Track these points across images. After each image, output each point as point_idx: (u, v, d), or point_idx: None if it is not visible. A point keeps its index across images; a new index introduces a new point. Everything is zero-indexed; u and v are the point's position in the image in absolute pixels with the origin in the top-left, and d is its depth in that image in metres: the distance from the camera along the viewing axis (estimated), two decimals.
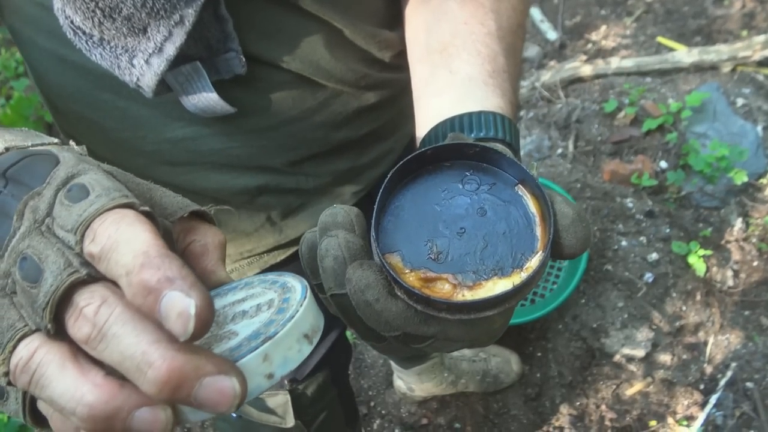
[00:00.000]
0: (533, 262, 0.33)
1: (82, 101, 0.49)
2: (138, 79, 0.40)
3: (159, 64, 0.39)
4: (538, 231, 0.34)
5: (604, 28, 2.23)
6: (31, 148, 0.29)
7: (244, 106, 0.46)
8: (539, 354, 1.55)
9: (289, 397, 0.75)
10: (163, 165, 0.52)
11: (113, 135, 0.51)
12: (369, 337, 0.34)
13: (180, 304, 0.23)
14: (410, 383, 1.45)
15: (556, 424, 1.46)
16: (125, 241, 0.24)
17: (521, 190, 0.35)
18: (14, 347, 0.25)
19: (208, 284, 0.31)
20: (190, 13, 0.38)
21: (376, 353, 1.58)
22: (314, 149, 0.54)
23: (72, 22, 0.38)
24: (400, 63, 0.52)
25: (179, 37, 0.38)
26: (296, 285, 0.31)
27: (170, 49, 0.38)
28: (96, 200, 0.25)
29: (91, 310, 0.24)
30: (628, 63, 1.98)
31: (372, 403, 1.54)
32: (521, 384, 1.52)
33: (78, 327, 0.24)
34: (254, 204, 0.56)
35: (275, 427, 0.78)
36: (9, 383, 0.25)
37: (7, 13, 0.46)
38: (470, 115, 0.39)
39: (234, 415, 0.76)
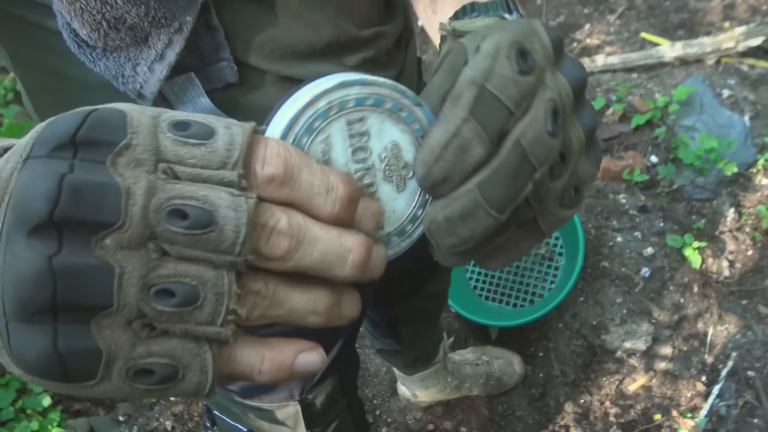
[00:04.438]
0: None
1: None
2: (141, 86, 0.41)
3: (161, 69, 0.40)
4: None
5: (588, 26, 2.25)
6: (86, 108, 0.26)
7: (237, 110, 0.47)
8: (541, 354, 1.56)
9: (299, 407, 0.75)
10: None
11: None
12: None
13: (372, 206, 0.30)
14: (414, 389, 1.45)
15: (562, 422, 1.47)
16: (305, 161, 0.27)
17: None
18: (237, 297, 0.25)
19: None
20: (188, 21, 0.39)
21: (379, 362, 1.59)
22: None
23: (76, 35, 0.39)
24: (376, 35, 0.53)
25: (179, 44, 0.40)
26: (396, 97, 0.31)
27: (171, 56, 0.40)
28: (227, 131, 0.26)
29: (284, 224, 0.26)
30: (614, 60, 2.00)
31: (377, 412, 1.54)
32: (525, 385, 1.53)
33: (275, 245, 0.26)
34: None
35: None
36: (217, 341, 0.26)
37: (5, 34, 0.47)
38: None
39: (244, 429, 0.76)
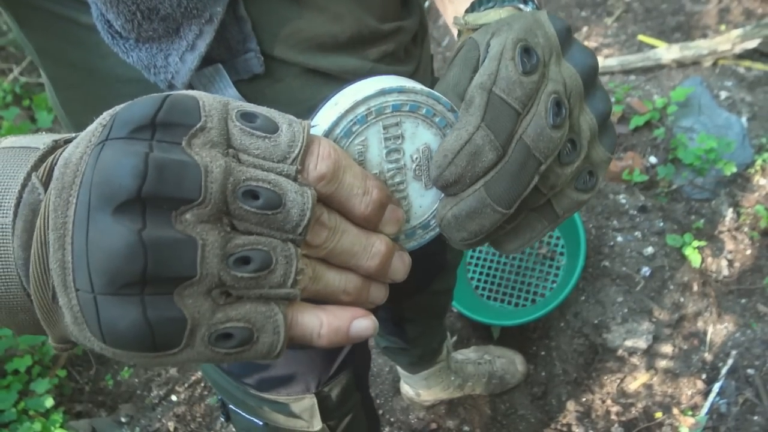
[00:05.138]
0: None
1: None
2: (173, 76, 0.42)
3: (192, 60, 0.41)
4: None
5: (585, 29, 2.27)
6: (160, 94, 0.28)
7: (262, 101, 0.48)
8: (543, 353, 1.57)
9: (315, 400, 0.76)
10: None
11: None
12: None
13: (398, 214, 0.33)
14: (417, 389, 1.46)
15: (564, 421, 1.48)
16: (349, 164, 0.30)
17: None
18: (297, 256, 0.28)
19: None
20: (218, 11, 0.41)
21: (381, 361, 1.59)
22: None
23: (110, 26, 0.40)
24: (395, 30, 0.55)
25: (209, 34, 0.41)
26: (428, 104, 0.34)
27: (201, 46, 0.41)
28: (290, 128, 0.29)
29: (325, 217, 0.30)
30: (612, 62, 2.02)
31: (380, 411, 1.55)
32: (527, 384, 1.54)
33: (317, 233, 0.29)
34: None
35: None
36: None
37: (34, 30, 0.47)
38: None
39: (260, 422, 0.77)
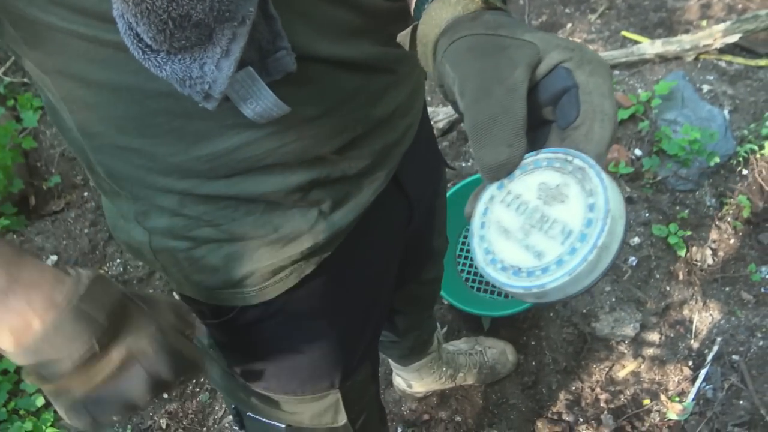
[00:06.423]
0: None
1: (133, 131, 0.50)
2: (210, 86, 0.40)
3: (228, 66, 0.40)
4: None
5: (569, 25, 2.30)
6: None
7: (295, 100, 0.47)
8: (533, 342, 1.59)
9: (339, 395, 0.75)
10: (218, 180, 0.53)
11: (165, 161, 0.51)
12: None
13: None
14: (409, 380, 1.47)
15: (554, 409, 1.49)
16: None
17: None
18: None
19: None
20: (251, 12, 0.39)
21: None
22: (358, 130, 0.56)
23: (140, 40, 0.38)
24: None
25: (243, 37, 0.39)
26: (590, 174, 0.36)
27: (236, 50, 0.39)
28: None
29: None
30: None
31: None
32: (518, 373, 1.56)
33: None
34: (306, 200, 0.57)
35: (324, 430, 0.78)
36: None
37: (49, 53, 0.46)
38: None
39: (282, 425, 0.76)
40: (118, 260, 1.98)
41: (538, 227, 0.37)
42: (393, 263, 0.79)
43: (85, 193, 2.12)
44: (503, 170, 0.39)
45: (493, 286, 1.65)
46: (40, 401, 1.54)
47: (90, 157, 0.55)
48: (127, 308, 0.48)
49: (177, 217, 0.56)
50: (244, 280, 0.60)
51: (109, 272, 1.96)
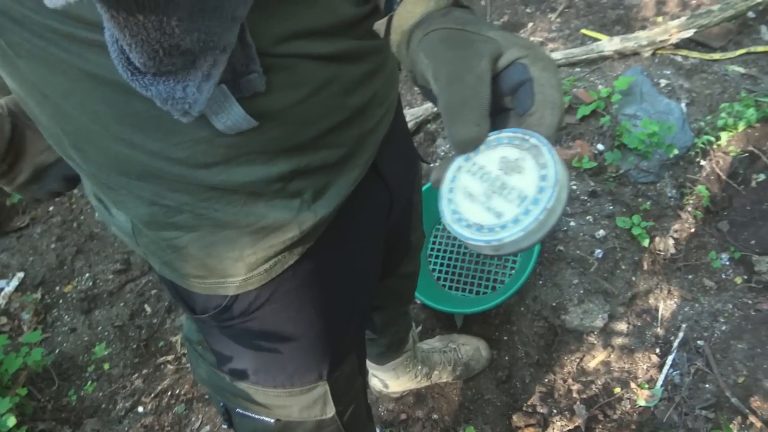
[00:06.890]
0: None
1: (110, 119, 0.51)
2: (190, 106, 0.44)
3: (208, 89, 0.44)
4: None
5: (531, 25, 2.35)
6: None
7: (271, 87, 0.50)
8: (505, 337, 1.61)
9: (327, 387, 0.76)
10: (198, 169, 0.54)
11: (143, 149, 0.52)
12: None
13: None
14: (386, 380, 1.48)
15: (528, 402, 1.52)
16: None
17: None
18: None
19: None
20: (232, 42, 0.43)
21: None
22: (336, 118, 0.58)
23: (130, 63, 0.41)
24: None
25: (222, 63, 0.43)
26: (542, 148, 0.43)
27: (216, 74, 0.43)
28: None
29: None
30: (557, 56, 2.09)
31: None
32: (491, 369, 1.58)
33: None
34: (288, 190, 0.58)
35: (313, 423, 0.79)
36: None
37: (24, 39, 0.48)
38: None
39: (271, 420, 0.76)
40: (87, 274, 1.96)
41: (498, 193, 0.44)
42: (377, 252, 0.81)
43: (51, 208, 2.08)
44: (471, 145, 0.45)
45: (464, 284, 1.68)
46: (11, 421, 1.51)
47: (65, 143, 0.56)
48: None
49: (155, 207, 0.57)
50: (227, 269, 0.61)
51: (78, 287, 1.93)
